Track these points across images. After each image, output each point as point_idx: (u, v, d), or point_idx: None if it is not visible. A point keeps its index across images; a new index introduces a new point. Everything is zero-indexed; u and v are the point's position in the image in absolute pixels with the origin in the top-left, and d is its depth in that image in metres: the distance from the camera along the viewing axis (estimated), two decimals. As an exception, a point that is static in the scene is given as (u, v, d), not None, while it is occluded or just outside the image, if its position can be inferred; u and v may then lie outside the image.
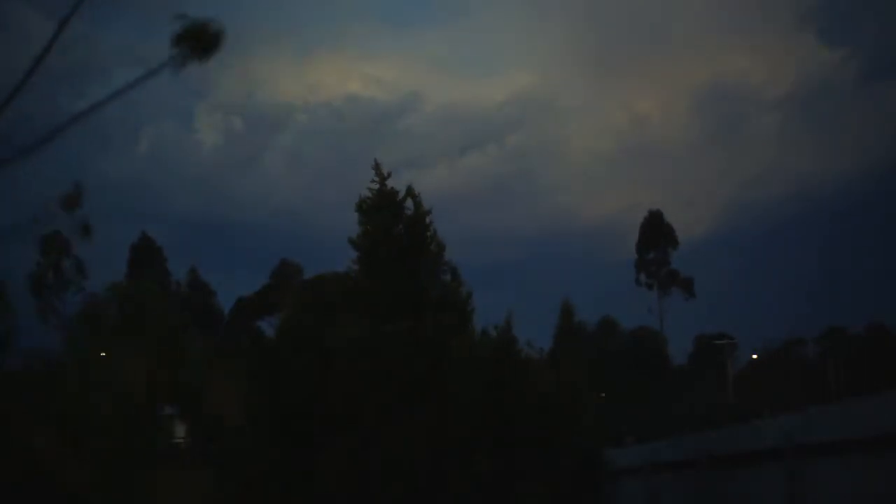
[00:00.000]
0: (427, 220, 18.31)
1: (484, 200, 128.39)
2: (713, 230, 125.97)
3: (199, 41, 1.47)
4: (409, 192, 18.38)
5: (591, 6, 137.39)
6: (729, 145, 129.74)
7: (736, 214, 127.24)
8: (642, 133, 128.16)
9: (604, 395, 59.70)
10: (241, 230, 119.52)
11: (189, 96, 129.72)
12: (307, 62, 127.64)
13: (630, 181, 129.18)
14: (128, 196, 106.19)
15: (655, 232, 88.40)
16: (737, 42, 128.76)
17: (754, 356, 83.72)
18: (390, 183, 18.78)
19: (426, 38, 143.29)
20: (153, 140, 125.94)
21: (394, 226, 18.18)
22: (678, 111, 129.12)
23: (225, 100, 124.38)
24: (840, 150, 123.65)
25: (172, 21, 1.44)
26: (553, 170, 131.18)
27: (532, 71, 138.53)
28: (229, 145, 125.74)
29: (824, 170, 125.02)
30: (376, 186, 18.18)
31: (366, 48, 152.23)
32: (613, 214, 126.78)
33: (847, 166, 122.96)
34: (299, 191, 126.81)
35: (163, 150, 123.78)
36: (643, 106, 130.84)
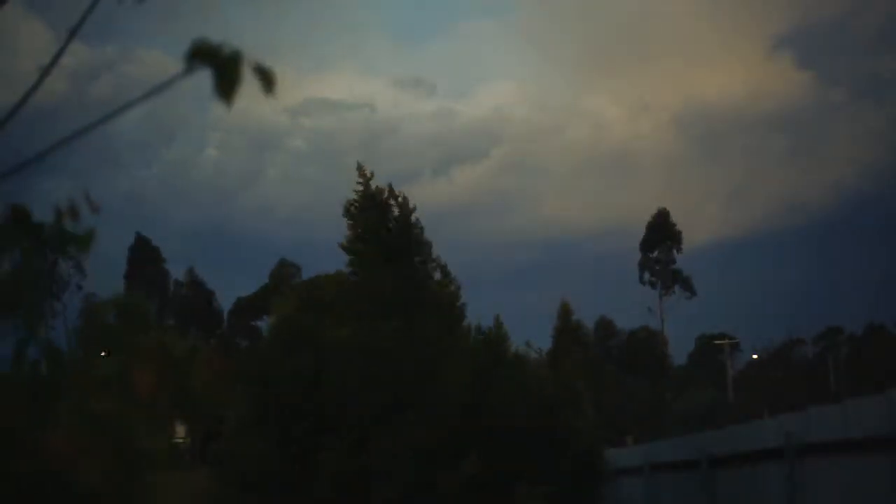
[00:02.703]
0: (413, 218, 18.29)
1: (481, 210, 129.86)
2: (710, 235, 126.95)
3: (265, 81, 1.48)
4: (391, 190, 18.36)
5: (575, 27, 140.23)
6: (714, 159, 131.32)
7: (732, 219, 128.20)
8: (625, 145, 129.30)
9: (603, 394, 59.81)
10: (243, 239, 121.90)
11: (194, 112, 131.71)
12: (308, 78, 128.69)
13: (620, 191, 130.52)
14: (134, 207, 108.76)
15: (661, 230, 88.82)
16: (716, 62, 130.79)
17: (754, 356, 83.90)
18: (374, 184, 18.76)
19: (422, 55, 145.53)
20: (161, 154, 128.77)
21: (381, 226, 18.17)
22: (663, 126, 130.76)
23: (225, 116, 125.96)
24: (824, 164, 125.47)
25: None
26: (544, 180, 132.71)
27: (518, 86, 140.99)
28: (228, 161, 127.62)
29: (813, 183, 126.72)
30: (361, 188, 18.18)
31: (364, 65, 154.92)
32: (610, 221, 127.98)
33: (836, 176, 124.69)
34: (298, 204, 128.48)
35: (170, 164, 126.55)
36: (627, 119, 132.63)
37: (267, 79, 1.76)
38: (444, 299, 17.73)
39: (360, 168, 18.11)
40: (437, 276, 18.28)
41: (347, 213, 17.75)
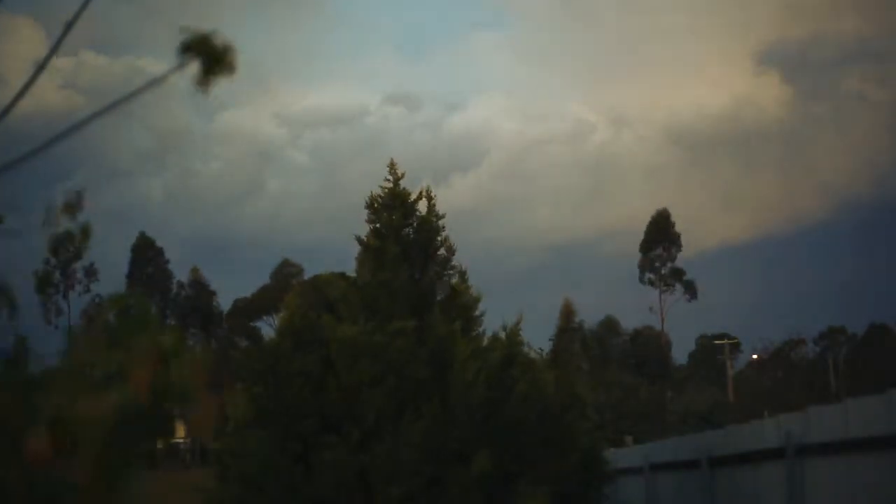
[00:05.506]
0: (440, 222, 18.34)
1: (480, 215, 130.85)
2: (711, 237, 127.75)
3: (210, 56, 1.41)
4: (424, 192, 18.45)
5: (567, 39, 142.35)
6: (713, 166, 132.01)
7: (734, 222, 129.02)
8: (622, 152, 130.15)
9: (604, 394, 59.83)
10: (245, 244, 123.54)
11: (198, 123, 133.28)
12: (309, 87, 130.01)
13: (615, 197, 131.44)
14: (138, 214, 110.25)
15: (661, 230, 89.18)
16: (703, 76, 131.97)
17: (754, 356, 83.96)
18: (402, 184, 18.79)
19: (420, 67, 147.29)
20: (164, 163, 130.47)
21: (404, 225, 18.22)
22: (659, 134, 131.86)
23: (227, 126, 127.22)
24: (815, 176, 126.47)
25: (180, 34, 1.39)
26: (539, 186, 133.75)
27: (513, 98, 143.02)
28: (231, 171, 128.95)
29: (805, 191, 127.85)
30: (389, 185, 18.24)
31: (362, 75, 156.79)
32: (607, 227, 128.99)
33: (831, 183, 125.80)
34: (298, 210, 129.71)
35: (174, 173, 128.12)
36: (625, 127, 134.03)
37: (217, 56, 1.71)
38: (459, 301, 17.78)
39: (391, 165, 18.20)
40: (455, 280, 18.30)
41: (370, 206, 17.77)
